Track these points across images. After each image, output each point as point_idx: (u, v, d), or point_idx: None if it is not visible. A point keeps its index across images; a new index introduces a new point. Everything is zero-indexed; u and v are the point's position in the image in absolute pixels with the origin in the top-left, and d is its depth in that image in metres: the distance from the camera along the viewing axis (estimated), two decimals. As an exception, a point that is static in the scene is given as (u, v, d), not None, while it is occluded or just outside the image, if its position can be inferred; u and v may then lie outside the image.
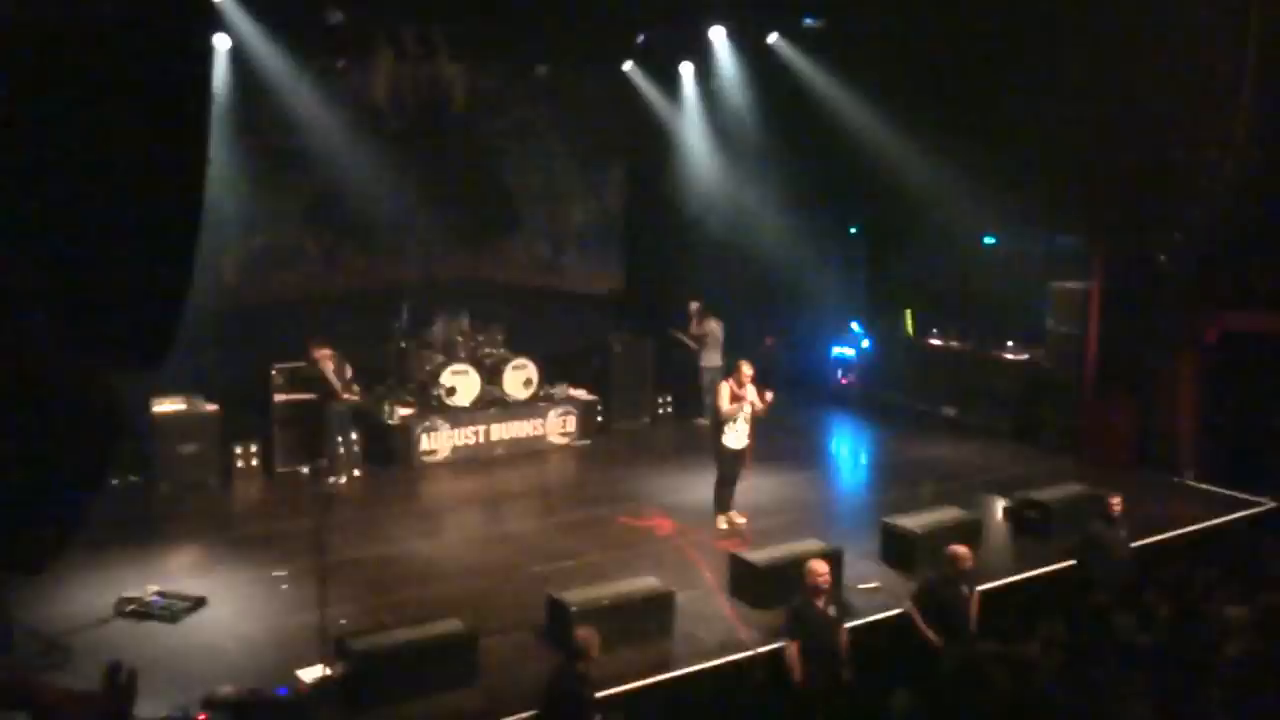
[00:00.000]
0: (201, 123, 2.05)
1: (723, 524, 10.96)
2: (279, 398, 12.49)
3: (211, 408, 12.19)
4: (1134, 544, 10.00)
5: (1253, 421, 12.67)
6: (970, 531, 10.40)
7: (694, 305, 15.32)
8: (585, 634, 7.14)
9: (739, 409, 10.77)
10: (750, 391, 10.79)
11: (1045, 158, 13.42)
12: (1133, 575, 9.54)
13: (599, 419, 14.70)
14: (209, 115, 2.02)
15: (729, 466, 10.96)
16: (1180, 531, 11.16)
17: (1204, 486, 12.60)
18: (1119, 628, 8.59)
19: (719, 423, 10.90)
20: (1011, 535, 11.19)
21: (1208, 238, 12.65)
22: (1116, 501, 9.66)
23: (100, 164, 1.84)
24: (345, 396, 12.29)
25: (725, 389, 10.88)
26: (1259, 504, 11.90)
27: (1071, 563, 9.88)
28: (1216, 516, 11.65)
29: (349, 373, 12.43)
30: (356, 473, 12.58)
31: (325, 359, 12.20)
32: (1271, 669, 6.75)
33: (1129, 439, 13.44)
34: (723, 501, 11.05)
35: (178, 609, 8.76)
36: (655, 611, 8.66)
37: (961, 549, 8.75)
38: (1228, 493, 12.25)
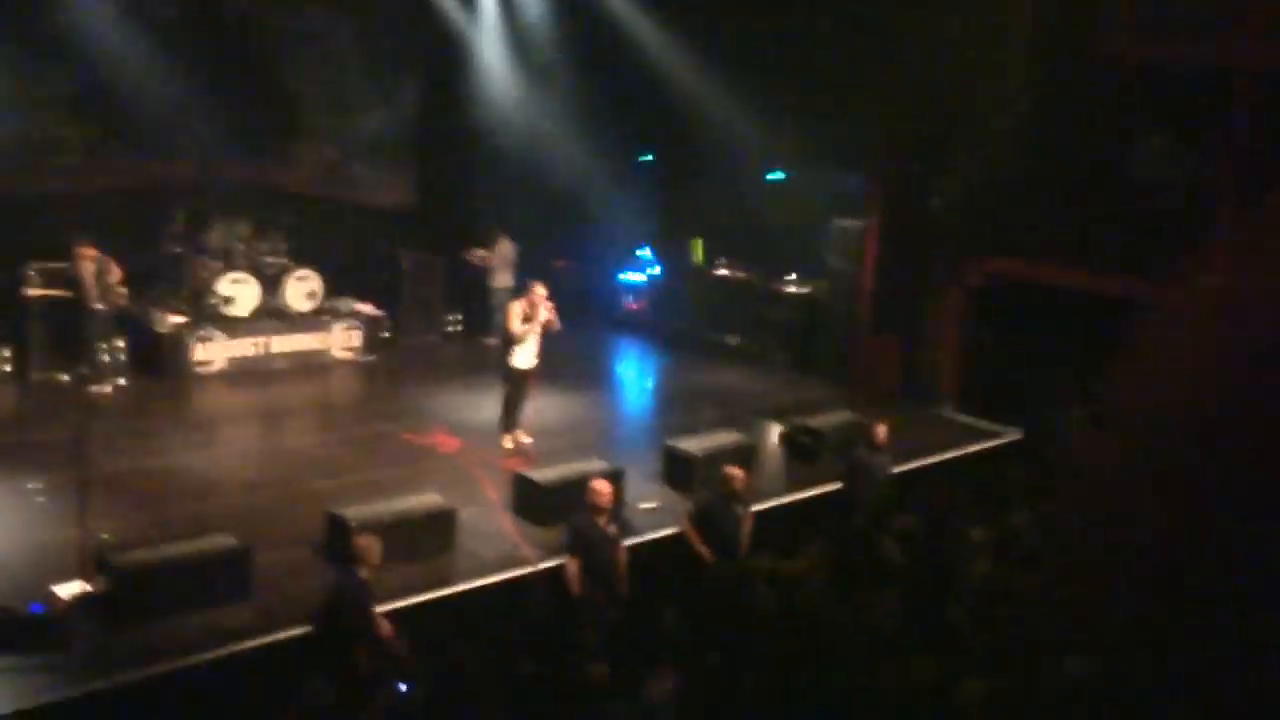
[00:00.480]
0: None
1: (508, 443, 11.01)
2: (32, 292, 11.63)
3: (-41, 310, 11.29)
4: (895, 469, 10.65)
5: (1006, 359, 13.61)
6: (747, 455, 10.82)
7: (495, 234, 15.11)
8: (366, 540, 7.08)
9: (530, 330, 10.79)
10: (542, 312, 10.82)
11: (837, 97, 13.87)
12: (892, 499, 10.18)
13: (386, 334, 14.41)
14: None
15: (516, 387, 10.99)
16: (937, 458, 11.94)
17: (961, 418, 13.50)
18: (877, 547, 9.17)
19: (509, 342, 10.89)
20: (785, 459, 11.71)
21: (978, 186, 13.41)
22: (882, 429, 10.24)
23: None
24: (96, 304, 11.55)
25: (516, 308, 10.86)
26: (1006, 434, 12.85)
27: (839, 485, 10.43)
28: (969, 445, 12.52)
29: (117, 276, 11.71)
30: (121, 381, 11.91)
31: (87, 259, 11.46)
32: (1009, 585, 7.36)
33: (896, 372, 14.22)
34: (509, 421, 11.08)
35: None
36: (437, 528, 8.68)
37: (736, 470, 9.12)
38: (981, 424, 13.17)
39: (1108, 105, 12.70)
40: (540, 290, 10.88)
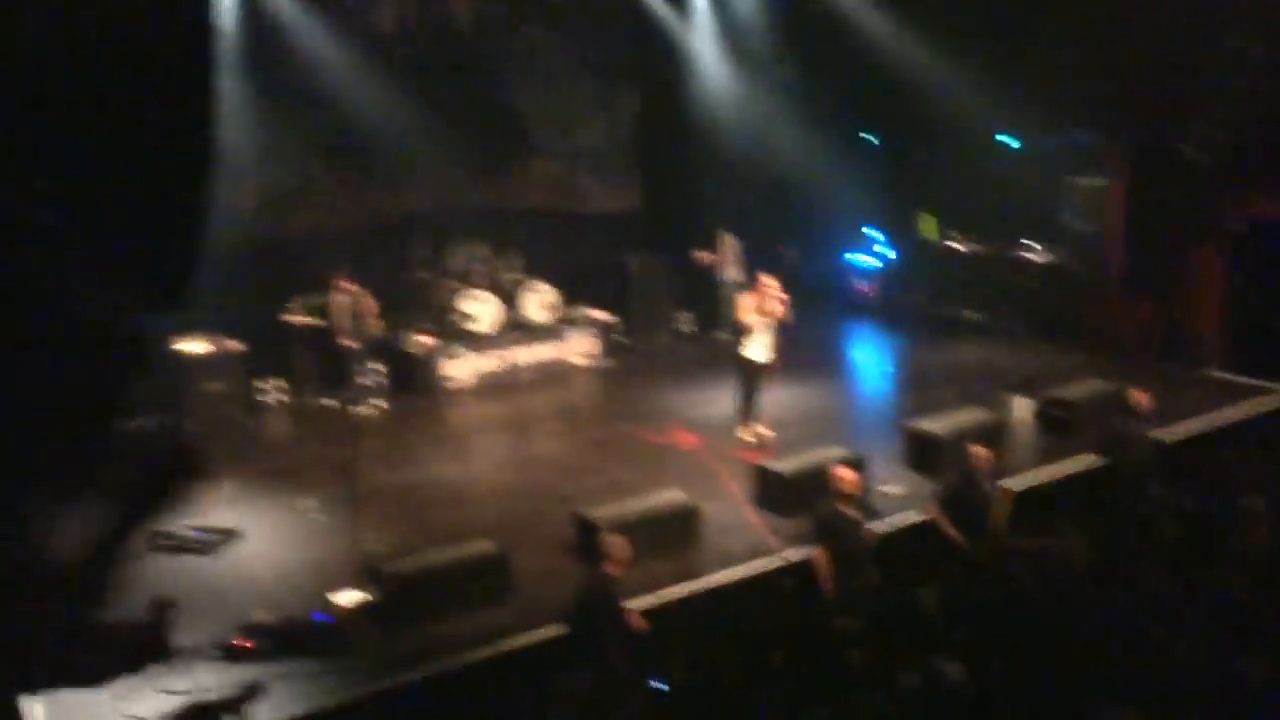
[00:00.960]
0: (209, 62, 2.04)
1: (747, 436, 11.01)
2: (290, 319, 12.51)
3: (235, 344, 12.29)
4: (1160, 437, 9.98)
5: (1276, 309, 12.53)
6: (993, 432, 10.40)
7: (719, 231, 15.15)
8: (613, 538, 7.24)
9: (762, 321, 10.74)
10: (774, 304, 10.76)
11: (1061, 54, 13.15)
12: (1156, 468, 9.54)
13: (621, 338, 14.71)
14: (216, 55, 2.00)
15: (751, 379, 10.97)
16: (1204, 423, 11.12)
17: (1228, 377, 12.52)
18: (1144, 521, 8.63)
19: (741, 335, 10.88)
20: (1037, 434, 11.19)
21: (1231, 125, 12.40)
22: (1142, 397, 9.61)
23: (113, 110, 1.83)
24: (345, 340, 12.30)
25: (747, 301, 10.86)
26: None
27: (1097, 458, 9.87)
28: (1238, 406, 11.60)
29: (372, 309, 12.46)
30: (380, 403, 12.64)
31: (341, 293, 12.24)
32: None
33: (1152, 334, 13.35)
34: (747, 413, 11.07)
35: (212, 541, 8.94)
36: (682, 524, 8.77)
37: (980, 449, 8.78)
38: (1252, 382, 12.17)
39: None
40: (769, 281, 10.83)
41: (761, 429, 11.07)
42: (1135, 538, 8.50)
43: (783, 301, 10.81)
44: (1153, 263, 13.36)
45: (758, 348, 10.85)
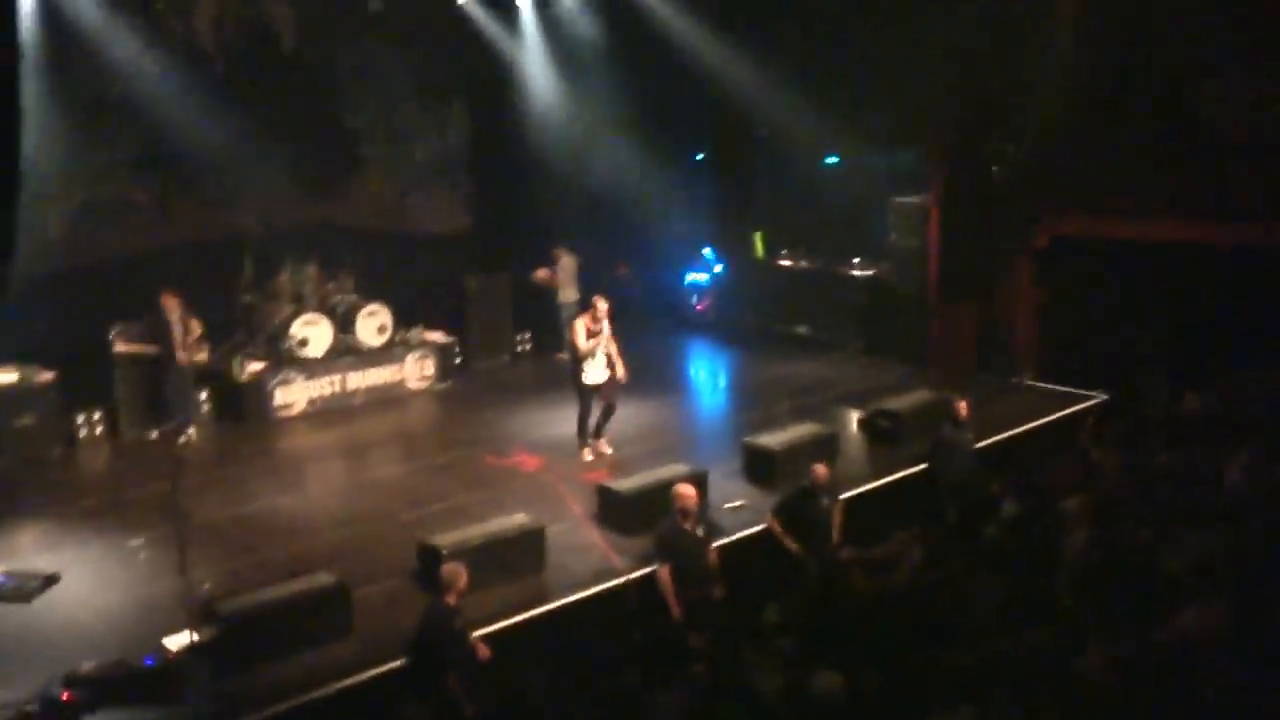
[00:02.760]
0: (10, 78, 1.90)
1: (588, 456, 11.07)
2: (119, 349, 11.94)
3: (47, 375, 11.62)
4: (979, 444, 10.49)
5: (1083, 321, 13.34)
6: (827, 445, 10.76)
7: (556, 250, 15.17)
8: (450, 568, 7.16)
9: (596, 345, 10.85)
10: (605, 326, 10.87)
11: (883, 78, 13.73)
12: (979, 474, 10.03)
13: (457, 360, 14.56)
14: (17, 69, 1.88)
15: (588, 400, 11.08)
16: (1021, 429, 11.74)
17: (1042, 385, 13.25)
18: (968, 525, 9.03)
19: (578, 359, 10.94)
20: (866, 444, 11.59)
21: (1037, 147, 13.16)
22: (963, 405, 10.10)
23: None
24: (181, 355, 11.83)
25: (580, 325, 10.93)
26: (1091, 397, 12.58)
27: (923, 466, 10.30)
28: (1054, 412, 12.29)
29: (196, 329, 11.99)
30: (192, 433, 12.11)
31: (172, 308, 11.75)
32: (1110, 554, 7.19)
33: (971, 345, 14.01)
34: (584, 435, 11.17)
35: (30, 587, 8.42)
36: (527, 547, 8.73)
37: (818, 465, 9.06)
38: (1065, 389, 12.91)
39: (1169, 47, 12.35)
40: (603, 304, 10.94)
41: (604, 447, 11.16)
42: (961, 542, 8.86)
43: (619, 324, 10.96)
44: (968, 277, 14.02)
45: (594, 370, 10.94)
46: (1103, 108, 12.55)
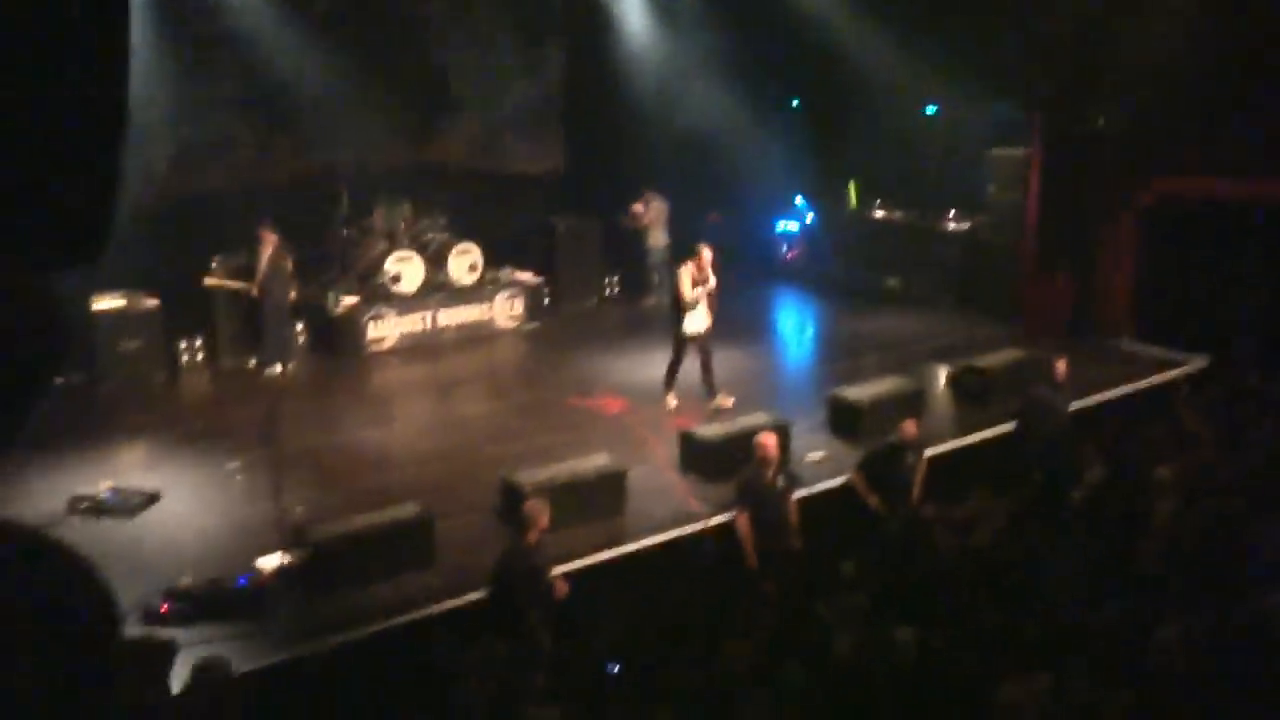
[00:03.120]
0: (121, 9, 1.97)
1: (672, 403, 11.01)
2: (207, 281, 12.24)
3: (152, 302, 12.03)
4: (1073, 406, 10.28)
5: (1187, 283, 12.94)
6: (914, 400, 10.63)
7: (647, 194, 15.14)
8: (533, 505, 7.26)
9: (701, 294, 10.69)
10: (710, 275, 10.71)
11: (985, 25, 13.34)
12: (1071, 437, 9.84)
13: (546, 301, 14.68)
14: (127, 4, 1.95)
15: (682, 349, 10.91)
16: (1116, 393, 11.47)
17: (1140, 348, 12.92)
18: (1057, 488, 8.91)
19: (680, 307, 10.76)
20: (954, 402, 11.45)
21: (1145, 101, 12.71)
22: (1061, 365, 9.84)
23: (20, 61, 1.77)
24: (263, 291, 12.08)
25: (685, 274, 10.72)
26: (1189, 363, 12.22)
27: (1012, 426, 10.11)
28: (1148, 377, 11.98)
29: (289, 265, 12.25)
30: (289, 365, 12.38)
31: (267, 244, 12.02)
32: (1197, 525, 7.05)
33: (1067, 304, 13.68)
34: (672, 382, 11.06)
35: (132, 504, 8.78)
36: (607, 488, 8.82)
37: (907, 422, 8.97)
38: (1162, 353, 12.57)
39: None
40: (708, 253, 10.75)
41: (723, 400, 10.90)
42: (1046, 506, 8.76)
43: (716, 272, 10.78)
44: (1067, 235, 13.67)
45: (695, 319, 10.74)
46: (1221, 64, 12.04)
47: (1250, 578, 6.21)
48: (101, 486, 8.95)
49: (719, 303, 11.12)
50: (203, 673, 5.68)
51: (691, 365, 11.02)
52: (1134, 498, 7.88)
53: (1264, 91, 11.84)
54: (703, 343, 10.92)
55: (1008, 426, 10.22)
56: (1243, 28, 11.95)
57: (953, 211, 15.43)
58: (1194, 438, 9.46)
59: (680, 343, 10.93)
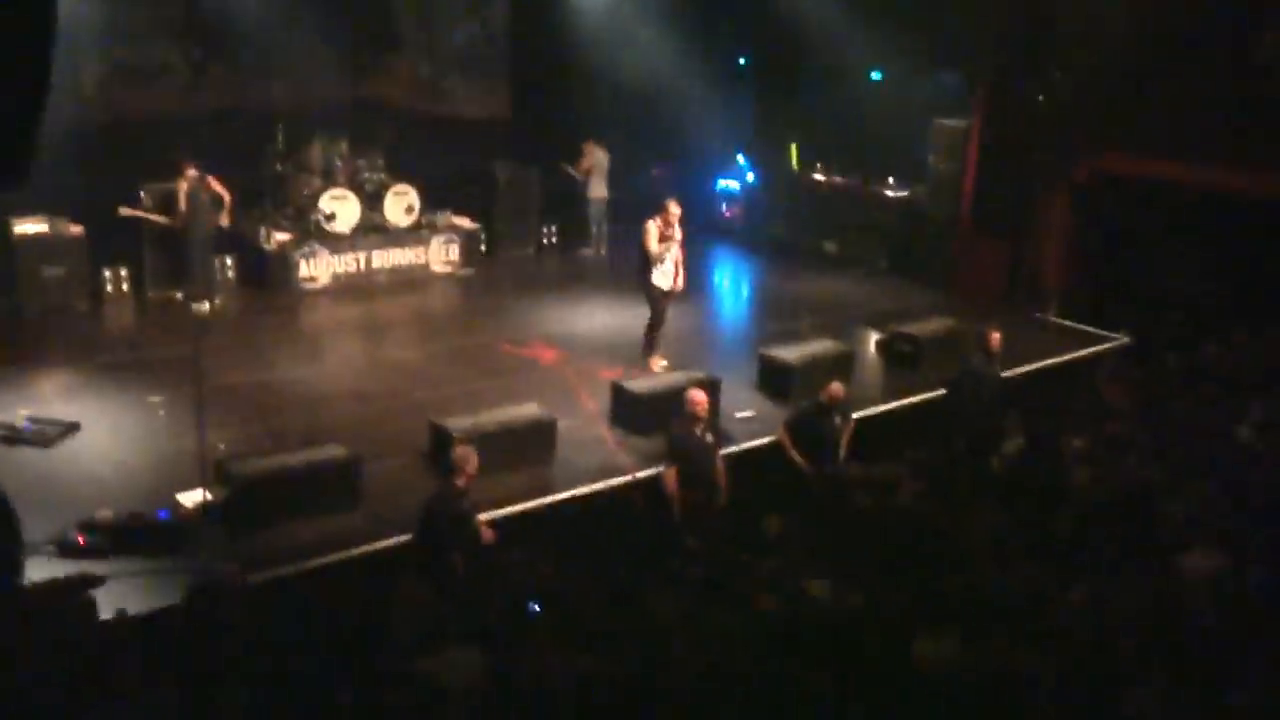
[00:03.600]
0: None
1: (656, 366, 10.68)
2: (124, 212, 11.87)
3: (76, 229, 11.72)
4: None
5: (1113, 261, 13.21)
6: (844, 363, 10.76)
7: (586, 143, 15.02)
8: (461, 450, 7.24)
9: (667, 249, 10.52)
10: (677, 231, 10.54)
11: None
12: (998, 407, 10.01)
13: (482, 248, 14.56)
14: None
15: (659, 306, 10.74)
16: (1039, 365, 11.71)
17: (1066, 323, 13.18)
18: (978, 455, 9.10)
19: (647, 263, 10.56)
20: (883, 366, 11.61)
21: (1086, 79, 12.89)
22: (996, 336, 9.94)
23: None
24: (180, 227, 11.77)
25: (653, 228, 10.50)
26: (1114, 339, 12.52)
27: (940, 393, 10.27)
28: (1073, 351, 12.24)
29: (217, 196, 11.94)
30: (216, 301, 12.06)
31: (184, 180, 11.70)
32: (1110, 494, 7.26)
33: (999, 276, 13.90)
34: (652, 343, 10.82)
35: (50, 434, 8.61)
36: (537, 437, 8.84)
37: (835, 383, 9.07)
38: (1088, 329, 12.84)
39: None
40: (675, 208, 10.55)
41: (659, 360, 10.78)
42: (966, 472, 8.94)
43: (682, 226, 10.60)
44: (1003, 206, 13.86)
45: (663, 275, 10.58)
46: (1160, 46, 12.23)
47: (1162, 544, 6.42)
48: (19, 415, 8.77)
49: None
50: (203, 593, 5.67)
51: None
52: (1051, 467, 8.09)
53: (1198, 74, 12.07)
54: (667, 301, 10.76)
55: (935, 393, 10.38)
56: (1180, 10, 12.15)
57: (892, 179, 15.54)
58: (1111, 411, 9.71)
59: (654, 300, 10.70)
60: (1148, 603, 5.66)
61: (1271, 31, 12.07)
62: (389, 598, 6.51)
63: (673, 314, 12.49)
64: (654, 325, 10.84)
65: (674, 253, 10.59)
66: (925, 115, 14.70)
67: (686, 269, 10.87)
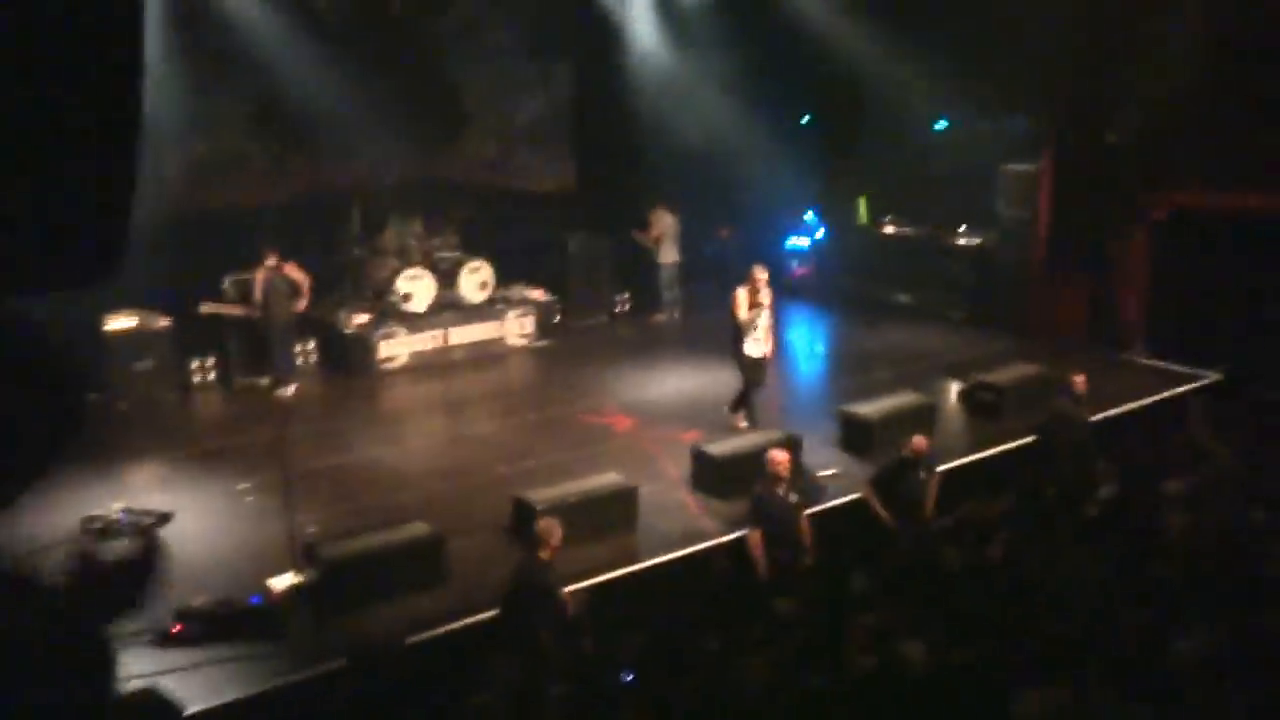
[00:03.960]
0: (134, 24, 1.96)
1: (739, 425, 10.59)
2: (204, 309, 12.23)
3: (164, 322, 12.07)
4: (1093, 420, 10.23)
5: (1198, 296, 12.88)
6: (925, 415, 10.61)
7: (654, 210, 15.13)
8: (545, 523, 7.24)
9: (757, 314, 10.43)
10: (766, 295, 10.46)
11: (995, 39, 13.34)
12: (1089, 451, 9.77)
13: (557, 319, 14.69)
14: (142, 17, 1.94)
15: (753, 374, 10.64)
16: (1127, 407, 11.41)
17: (1153, 363, 12.86)
18: (1071, 502, 8.86)
19: (738, 332, 10.48)
20: (966, 417, 11.41)
21: (1157, 115, 12.70)
22: (1080, 380, 9.78)
23: (30, 72, 1.77)
24: (258, 314, 12.05)
25: (742, 296, 10.43)
26: (1205, 376, 12.17)
27: (1028, 440, 10.05)
28: (1163, 391, 11.92)
29: (300, 282, 12.22)
30: (293, 387, 12.26)
31: (263, 269, 11.99)
32: (1209, 538, 7.01)
33: (1079, 318, 13.64)
34: (739, 405, 10.71)
35: (144, 525, 8.79)
36: (619, 506, 8.81)
37: (918, 437, 8.93)
38: (1175, 368, 12.51)
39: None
40: (761, 273, 10.49)
41: (738, 419, 10.69)
42: (1061, 520, 8.71)
43: (770, 292, 10.51)
44: (1079, 248, 13.64)
45: (755, 343, 10.48)
46: (1228, 76, 12.02)
47: (1268, 591, 6.17)
48: (114, 507, 8.97)
49: (724, 318, 10.93)
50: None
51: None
52: (1147, 511, 7.84)
53: (1270, 102, 11.82)
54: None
55: (1021, 441, 10.17)
56: (1251, 38, 11.93)
57: (963, 227, 15.40)
58: (1207, 452, 9.41)
59: (745, 368, 10.57)
60: (1260, 650, 5.43)
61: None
62: (482, 674, 6.50)
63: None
64: (745, 392, 10.67)
65: (764, 319, 10.49)
66: (993, 161, 14.59)
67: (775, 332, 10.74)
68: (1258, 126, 11.96)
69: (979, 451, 10.37)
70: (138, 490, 9.69)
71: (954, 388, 11.92)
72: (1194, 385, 12.07)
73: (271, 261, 12.03)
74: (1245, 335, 12.20)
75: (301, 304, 12.36)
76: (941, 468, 9.37)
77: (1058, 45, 13.19)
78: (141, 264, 9.91)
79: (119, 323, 11.82)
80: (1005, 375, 11.55)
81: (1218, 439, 9.85)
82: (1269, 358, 11.68)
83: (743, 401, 10.76)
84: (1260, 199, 11.95)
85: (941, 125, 15.60)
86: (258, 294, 12.04)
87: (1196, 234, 12.75)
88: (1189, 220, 12.81)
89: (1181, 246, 13.02)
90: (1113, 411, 11.19)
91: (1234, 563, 6.71)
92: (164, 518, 8.96)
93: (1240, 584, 6.47)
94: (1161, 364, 12.74)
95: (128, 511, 8.92)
